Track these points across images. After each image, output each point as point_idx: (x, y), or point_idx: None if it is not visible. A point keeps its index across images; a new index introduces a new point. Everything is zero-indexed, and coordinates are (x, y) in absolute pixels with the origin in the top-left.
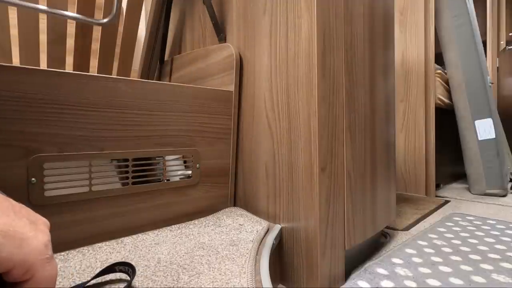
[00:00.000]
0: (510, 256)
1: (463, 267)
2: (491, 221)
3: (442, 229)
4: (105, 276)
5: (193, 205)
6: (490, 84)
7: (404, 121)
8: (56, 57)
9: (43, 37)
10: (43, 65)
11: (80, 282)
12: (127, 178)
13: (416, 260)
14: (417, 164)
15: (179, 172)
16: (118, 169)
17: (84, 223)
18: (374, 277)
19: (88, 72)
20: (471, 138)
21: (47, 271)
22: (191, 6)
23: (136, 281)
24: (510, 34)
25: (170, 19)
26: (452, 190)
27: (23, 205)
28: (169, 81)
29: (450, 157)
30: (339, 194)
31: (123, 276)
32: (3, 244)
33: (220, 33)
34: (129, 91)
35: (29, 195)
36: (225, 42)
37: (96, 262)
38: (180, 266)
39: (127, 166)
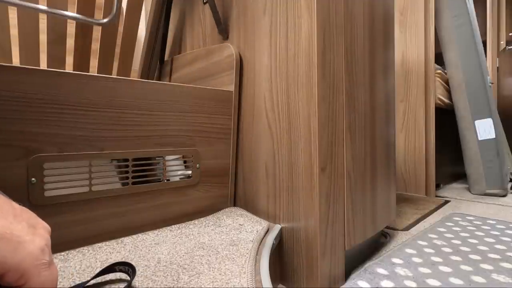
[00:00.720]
0: (510, 256)
1: (463, 267)
2: (491, 221)
3: (442, 229)
4: (105, 276)
5: (193, 205)
6: (490, 84)
7: (404, 121)
8: (56, 57)
9: (43, 37)
10: (43, 65)
11: (80, 282)
12: (127, 178)
13: (416, 260)
14: (417, 164)
15: (179, 172)
16: (118, 169)
17: (84, 223)
18: (374, 277)
19: (88, 72)
20: (471, 138)
21: (43, 276)
22: (191, 6)
23: (136, 281)
24: (510, 34)
25: (170, 19)
26: (452, 190)
27: (25, 209)
28: (169, 81)
29: (450, 157)
30: (339, 194)
31: (123, 276)
32: None
33: (223, 32)
34: (129, 91)
35: (29, 195)
36: (225, 34)
37: (96, 262)
38: (180, 266)
39: (127, 166)
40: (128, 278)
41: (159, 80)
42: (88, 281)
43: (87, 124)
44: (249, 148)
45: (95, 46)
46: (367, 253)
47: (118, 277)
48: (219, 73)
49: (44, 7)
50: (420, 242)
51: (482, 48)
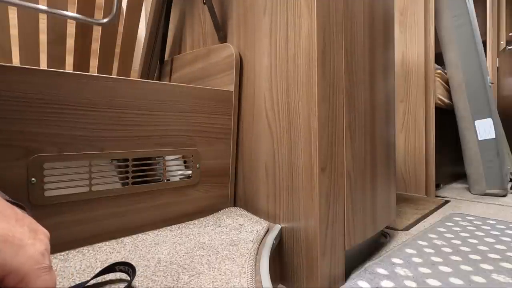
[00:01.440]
0: (510, 256)
1: (463, 267)
2: (491, 221)
3: (442, 229)
4: (105, 276)
5: (193, 205)
6: (490, 84)
7: (404, 121)
8: (56, 57)
9: (43, 37)
10: (43, 65)
11: (80, 282)
12: (127, 178)
13: (416, 260)
14: (417, 164)
15: (179, 172)
16: (118, 169)
17: (84, 223)
18: (374, 277)
19: (88, 72)
20: (471, 138)
21: (43, 280)
22: (191, 6)
23: (136, 281)
24: (510, 34)
25: (170, 19)
26: (452, 190)
27: (27, 215)
28: (169, 81)
29: (450, 157)
30: (339, 194)
31: (123, 276)
32: (0, 249)
33: (220, 30)
34: (129, 91)
35: (29, 195)
36: (225, 40)
37: (96, 262)
38: (180, 266)
39: (127, 166)
40: (128, 278)
41: (159, 80)
42: (88, 281)
43: (87, 124)
44: (249, 147)
45: (95, 46)
46: (367, 253)
47: (118, 277)
48: (219, 73)
49: (44, 7)
50: (420, 242)
51: (482, 48)
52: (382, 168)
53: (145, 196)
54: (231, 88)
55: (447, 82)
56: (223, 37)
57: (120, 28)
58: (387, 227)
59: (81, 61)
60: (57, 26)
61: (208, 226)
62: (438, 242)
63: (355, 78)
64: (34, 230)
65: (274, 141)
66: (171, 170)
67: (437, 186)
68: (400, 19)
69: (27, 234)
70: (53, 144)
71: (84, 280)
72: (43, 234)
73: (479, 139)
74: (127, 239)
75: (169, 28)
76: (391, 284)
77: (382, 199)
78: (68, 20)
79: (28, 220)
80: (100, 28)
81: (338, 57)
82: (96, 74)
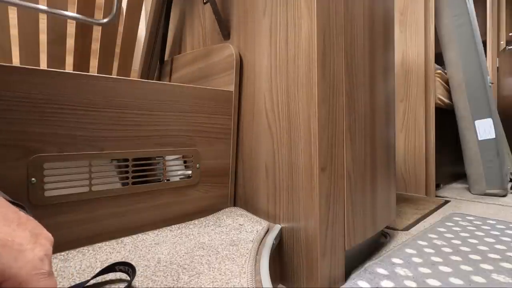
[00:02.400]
0: (510, 256)
1: (463, 267)
2: (491, 221)
3: (442, 229)
4: (105, 276)
5: (193, 205)
6: (490, 84)
7: (404, 121)
8: (56, 57)
9: (43, 37)
10: (43, 65)
11: (80, 282)
12: (127, 178)
13: (416, 260)
14: (417, 164)
15: (179, 172)
16: (118, 169)
17: (84, 223)
18: (374, 277)
19: (88, 72)
20: (471, 138)
21: (41, 286)
22: (191, 6)
23: (136, 281)
24: (510, 34)
25: (170, 19)
26: (452, 190)
27: (31, 218)
28: (169, 81)
29: (450, 157)
30: (339, 194)
31: (123, 276)
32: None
33: (224, 27)
34: (129, 91)
35: (29, 195)
36: (228, 37)
37: (96, 262)
38: (180, 266)
39: (127, 166)
40: (128, 278)
41: (159, 80)
42: (88, 281)
43: (87, 124)
44: (249, 147)
45: (95, 46)
46: (367, 253)
47: (118, 277)
48: (219, 73)
49: (44, 7)
50: (420, 242)
51: (482, 48)
52: (382, 169)
53: (145, 196)
54: (231, 88)
55: (447, 82)
56: (227, 34)
57: (120, 28)
58: (387, 227)
59: (81, 61)
60: (57, 26)
61: (208, 226)
62: (438, 242)
63: (355, 81)
64: (36, 235)
65: (274, 141)
66: (171, 170)
67: (437, 186)
68: (400, 19)
69: (28, 238)
70: (53, 144)
71: (84, 280)
72: (44, 239)
73: (479, 139)
74: (127, 239)
75: (169, 28)
76: (391, 284)
77: (382, 200)
78: (68, 20)
79: (31, 224)
80: (100, 28)
81: (338, 60)
82: (96, 74)
